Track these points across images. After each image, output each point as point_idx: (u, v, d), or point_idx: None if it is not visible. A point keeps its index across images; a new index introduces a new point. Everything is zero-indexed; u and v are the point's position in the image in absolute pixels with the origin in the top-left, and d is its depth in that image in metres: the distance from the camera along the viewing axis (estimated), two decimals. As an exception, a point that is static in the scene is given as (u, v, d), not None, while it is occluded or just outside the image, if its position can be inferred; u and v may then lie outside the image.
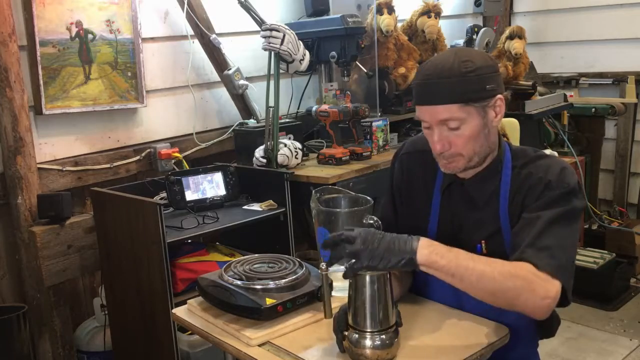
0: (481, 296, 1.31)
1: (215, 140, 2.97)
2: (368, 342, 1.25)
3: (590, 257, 3.55)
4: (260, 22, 2.70)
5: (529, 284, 1.29)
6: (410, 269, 1.29)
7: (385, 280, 1.26)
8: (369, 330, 1.25)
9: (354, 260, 1.25)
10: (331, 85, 3.11)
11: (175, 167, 2.74)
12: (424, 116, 1.44)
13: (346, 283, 1.53)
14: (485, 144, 1.45)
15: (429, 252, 1.28)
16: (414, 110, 3.62)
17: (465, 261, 1.30)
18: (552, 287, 1.30)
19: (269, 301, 1.38)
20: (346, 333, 1.29)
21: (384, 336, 1.25)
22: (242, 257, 1.59)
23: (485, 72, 1.39)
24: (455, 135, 1.41)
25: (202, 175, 2.53)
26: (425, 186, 1.61)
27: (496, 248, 1.48)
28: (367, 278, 1.25)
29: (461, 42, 3.83)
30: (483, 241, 1.49)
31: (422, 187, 1.62)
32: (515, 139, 3.07)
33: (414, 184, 1.64)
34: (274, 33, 2.56)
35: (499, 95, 1.43)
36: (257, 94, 3.03)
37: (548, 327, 1.61)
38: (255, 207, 2.50)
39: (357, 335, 1.26)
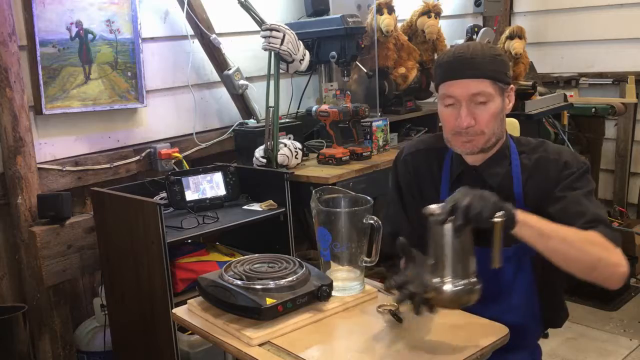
0: (562, 259, 1.35)
1: (215, 140, 2.97)
2: (448, 287, 1.27)
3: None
4: (260, 22, 2.70)
5: (606, 250, 1.36)
6: (509, 227, 1.28)
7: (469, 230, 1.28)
8: (450, 277, 1.27)
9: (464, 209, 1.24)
10: (331, 85, 3.11)
11: (175, 167, 2.74)
12: (454, 91, 1.49)
13: (346, 283, 1.54)
14: (500, 127, 1.54)
15: (520, 212, 1.29)
16: (414, 110, 3.62)
17: (549, 223, 1.34)
18: (621, 255, 1.38)
19: (269, 301, 1.38)
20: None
21: (465, 281, 1.28)
22: (242, 257, 1.59)
23: (506, 61, 1.53)
24: (481, 110, 1.49)
25: (202, 175, 2.53)
26: (433, 180, 1.65)
27: None
28: (448, 225, 1.26)
29: (461, 42, 3.83)
30: None
31: (430, 182, 1.66)
32: (515, 139, 3.07)
33: (422, 180, 1.68)
34: (274, 33, 2.56)
35: (512, 85, 1.55)
36: (257, 94, 3.03)
37: (555, 317, 1.65)
38: (255, 207, 2.50)
39: (438, 280, 1.28)
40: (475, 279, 1.30)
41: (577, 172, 1.50)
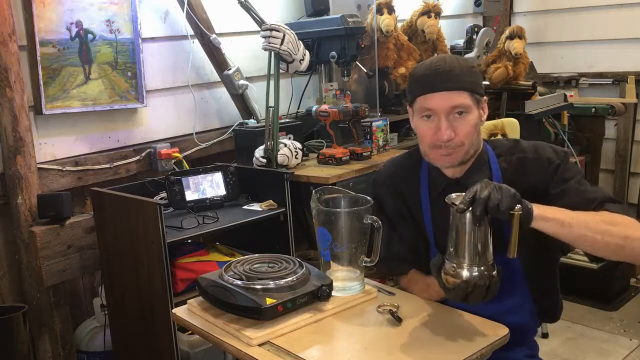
0: (590, 244, 1.35)
1: (215, 140, 2.97)
2: (465, 273, 1.31)
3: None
4: (260, 22, 2.70)
5: (628, 227, 1.35)
6: (525, 221, 1.30)
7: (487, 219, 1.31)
8: (467, 263, 1.32)
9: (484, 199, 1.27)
10: (331, 85, 3.12)
11: (175, 167, 2.74)
12: (433, 103, 1.48)
13: (346, 283, 1.54)
14: (477, 139, 1.54)
15: (536, 206, 1.32)
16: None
17: (567, 212, 1.35)
18: None
19: (269, 301, 1.38)
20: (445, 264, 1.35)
21: (482, 268, 1.32)
22: (242, 257, 1.60)
23: (480, 73, 1.53)
24: (459, 123, 1.48)
25: (202, 175, 2.53)
26: (414, 198, 1.64)
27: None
28: (468, 214, 1.29)
29: (461, 42, 3.83)
30: None
31: (412, 200, 1.65)
32: (515, 139, 3.07)
33: (406, 199, 1.67)
34: (274, 33, 2.56)
35: (485, 97, 1.55)
36: (257, 94, 3.03)
37: (551, 312, 1.65)
38: (255, 207, 2.50)
39: (454, 265, 1.32)
40: (491, 267, 1.33)
41: (562, 163, 1.52)
